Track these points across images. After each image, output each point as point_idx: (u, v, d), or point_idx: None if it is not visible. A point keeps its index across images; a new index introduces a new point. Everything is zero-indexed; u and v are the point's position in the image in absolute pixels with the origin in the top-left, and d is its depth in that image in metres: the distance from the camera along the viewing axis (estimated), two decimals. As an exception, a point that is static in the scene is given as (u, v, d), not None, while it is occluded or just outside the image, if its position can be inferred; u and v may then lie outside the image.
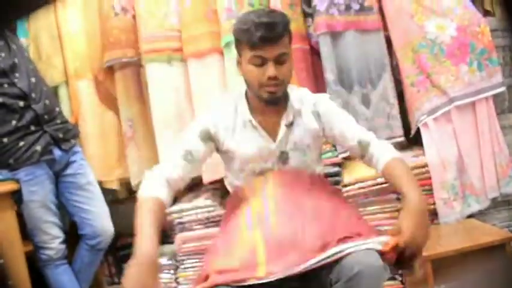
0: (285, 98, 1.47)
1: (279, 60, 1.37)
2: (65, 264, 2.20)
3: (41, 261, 2.18)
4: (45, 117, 2.17)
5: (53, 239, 2.17)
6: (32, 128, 2.14)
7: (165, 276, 2.40)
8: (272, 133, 1.46)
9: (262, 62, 1.36)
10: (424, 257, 1.82)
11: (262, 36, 1.32)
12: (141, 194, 1.36)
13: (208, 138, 1.45)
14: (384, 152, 1.45)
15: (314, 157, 1.53)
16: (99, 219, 2.25)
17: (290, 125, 1.45)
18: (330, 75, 2.36)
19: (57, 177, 2.25)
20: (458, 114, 2.33)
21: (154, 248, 1.20)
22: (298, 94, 1.51)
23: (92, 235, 2.23)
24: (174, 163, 1.43)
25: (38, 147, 2.13)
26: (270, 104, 1.42)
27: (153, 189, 1.36)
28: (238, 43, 1.42)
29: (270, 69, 1.35)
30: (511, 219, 2.40)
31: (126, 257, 2.51)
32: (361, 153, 1.49)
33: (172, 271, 2.39)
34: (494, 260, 1.91)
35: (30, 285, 2.11)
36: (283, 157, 1.46)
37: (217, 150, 1.51)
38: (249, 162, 1.46)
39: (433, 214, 2.27)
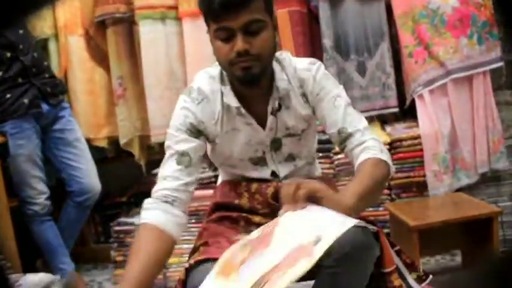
0: (270, 77, 1.24)
1: (250, 30, 1.12)
2: (50, 220, 2.19)
3: (26, 216, 2.17)
4: (33, 69, 2.12)
5: (39, 195, 2.15)
6: (20, 80, 2.09)
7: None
8: (261, 120, 1.27)
9: (229, 35, 1.13)
10: (411, 227, 1.82)
11: (222, 1, 1.08)
12: (140, 228, 1.16)
13: (198, 132, 1.24)
14: (363, 150, 1.20)
15: (311, 139, 1.37)
16: (87, 176, 2.23)
17: (277, 111, 1.26)
18: (327, 41, 2.32)
19: (45, 133, 2.21)
20: (454, 87, 2.32)
21: None
22: (286, 71, 1.27)
23: (79, 192, 2.21)
24: (171, 175, 1.19)
25: (25, 100, 2.09)
26: (247, 83, 1.19)
27: (154, 218, 1.14)
28: (204, 16, 1.19)
29: (238, 43, 1.11)
30: (499, 195, 2.40)
31: (113, 217, 2.55)
32: (340, 144, 1.26)
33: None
34: (480, 234, 1.92)
35: (15, 240, 2.10)
36: (276, 145, 1.30)
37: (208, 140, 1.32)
38: (238, 152, 1.31)
39: (423, 186, 2.28)
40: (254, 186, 1.30)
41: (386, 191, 2.32)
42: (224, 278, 0.99)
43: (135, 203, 2.59)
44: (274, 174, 1.32)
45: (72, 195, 2.22)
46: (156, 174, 2.38)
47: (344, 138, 1.23)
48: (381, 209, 2.28)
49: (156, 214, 1.14)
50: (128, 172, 2.69)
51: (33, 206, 2.14)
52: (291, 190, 1.04)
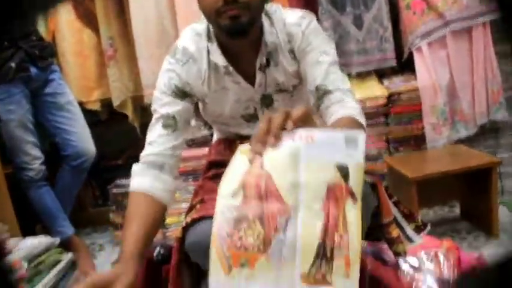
0: (259, 30, 1.18)
1: None
2: (46, 185, 2.17)
3: (22, 182, 2.14)
4: (20, 32, 2.05)
5: (33, 160, 2.12)
6: (6, 43, 2.02)
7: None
8: (249, 77, 1.22)
9: None
10: (410, 179, 1.81)
11: None
12: (130, 195, 1.13)
13: (184, 94, 1.19)
14: (341, 107, 1.10)
15: (304, 96, 1.27)
16: (81, 140, 2.19)
17: (266, 67, 1.21)
18: (321, -6, 2.25)
19: (35, 97, 2.16)
20: (453, 39, 2.27)
21: (131, 272, 0.95)
22: (275, 25, 1.20)
23: (74, 156, 2.18)
24: (157, 140, 1.16)
25: (13, 64, 2.02)
26: (235, 34, 1.11)
27: (143, 186, 1.12)
28: None
29: None
30: (497, 147, 2.40)
31: (110, 180, 2.54)
32: (316, 102, 1.16)
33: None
34: (479, 185, 1.92)
35: (12, 207, 2.09)
36: (267, 101, 1.26)
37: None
38: (229, 110, 1.27)
39: (421, 139, 2.26)
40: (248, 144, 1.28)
41: (384, 145, 2.31)
42: (244, 269, 0.78)
43: (131, 165, 2.56)
44: None
45: (67, 160, 2.19)
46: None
47: (321, 94, 1.13)
48: (379, 161, 2.27)
49: (144, 181, 1.12)
50: (123, 134, 2.65)
51: (28, 171, 2.11)
52: (278, 121, 0.82)
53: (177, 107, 1.17)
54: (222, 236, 0.79)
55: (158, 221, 1.14)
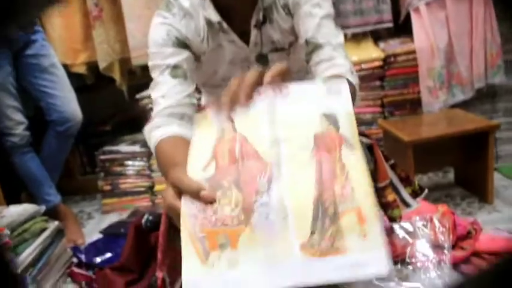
0: None
1: None
2: (31, 151, 2.10)
3: (6, 148, 2.07)
4: None
5: (17, 125, 2.04)
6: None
7: (138, 164, 2.35)
8: (244, 35, 1.16)
9: None
10: (406, 142, 1.76)
11: None
12: (159, 144, 1.02)
13: (185, 45, 1.12)
14: (331, 66, 1.06)
15: (301, 54, 1.20)
16: (67, 105, 2.11)
17: (261, 24, 1.15)
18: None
19: (17, 59, 2.06)
20: (452, 0, 2.19)
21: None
22: None
23: (60, 121, 2.10)
24: (169, 91, 1.07)
25: (-9, 24, 1.92)
26: None
27: (172, 131, 1.02)
28: None
29: None
30: (493, 112, 2.35)
31: (98, 146, 2.47)
32: (306, 57, 1.12)
33: (145, 158, 2.33)
34: (475, 150, 1.88)
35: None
36: (262, 61, 1.19)
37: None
38: (223, 71, 1.20)
39: (417, 103, 2.21)
40: None
41: (379, 109, 2.25)
42: (225, 252, 0.61)
43: (119, 131, 2.51)
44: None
45: (52, 125, 2.12)
46: (139, 99, 2.33)
47: (311, 49, 1.08)
48: (374, 127, 2.22)
49: (171, 129, 1.01)
50: (110, 99, 2.57)
51: (12, 137, 2.04)
52: (249, 79, 0.72)
53: (182, 55, 1.09)
54: (193, 212, 0.63)
55: None
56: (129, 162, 2.37)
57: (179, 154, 0.87)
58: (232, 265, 0.60)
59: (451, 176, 2.13)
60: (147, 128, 1.06)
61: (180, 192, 0.67)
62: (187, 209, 0.64)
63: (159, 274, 1.32)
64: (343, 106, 0.68)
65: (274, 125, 0.68)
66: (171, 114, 1.04)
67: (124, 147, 2.37)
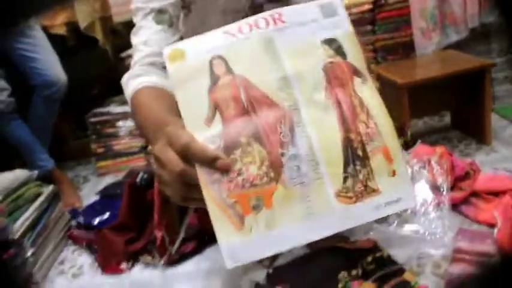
0: None
1: None
2: (18, 118, 2.05)
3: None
4: None
5: (0, 92, 1.98)
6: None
7: (130, 124, 2.31)
8: None
9: None
10: (400, 85, 1.73)
11: None
12: (136, 93, 0.93)
13: None
14: None
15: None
16: (49, 68, 2.04)
17: None
18: None
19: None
20: None
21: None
22: None
23: (44, 85, 2.04)
24: (152, 38, 0.99)
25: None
26: None
27: (151, 81, 0.93)
28: None
29: None
30: (488, 52, 2.31)
31: (87, 109, 2.42)
32: None
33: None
34: (471, 91, 1.85)
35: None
36: (257, 11, 1.14)
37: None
38: (213, 22, 1.07)
39: (409, 47, 2.16)
40: None
41: (371, 54, 2.20)
42: (260, 213, 0.57)
43: (107, 92, 2.45)
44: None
45: (37, 90, 2.05)
46: (124, 58, 2.25)
47: None
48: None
49: (151, 79, 0.94)
50: (95, 61, 2.49)
51: None
52: None
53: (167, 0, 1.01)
54: (214, 179, 0.57)
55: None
56: (120, 123, 2.33)
57: (163, 107, 0.81)
58: (270, 225, 0.57)
59: (447, 119, 2.11)
60: (125, 77, 0.98)
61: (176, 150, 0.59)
62: (206, 175, 0.57)
63: (158, 234, 1.31)
64: (342, 26, 0.63)
65: (276, 61, 0.61)
66: (152, 63, 0.97)
67: (114, 108, 2.33)
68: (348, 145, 0.59)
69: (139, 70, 0.96)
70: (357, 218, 0.58)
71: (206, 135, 0.58)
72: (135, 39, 1.01)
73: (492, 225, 1.28)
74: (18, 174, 1.56)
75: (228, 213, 0.56)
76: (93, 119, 2.32)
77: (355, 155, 0.58)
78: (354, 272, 1.15)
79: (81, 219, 1.71)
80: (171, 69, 0.60)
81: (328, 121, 0.59)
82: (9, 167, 1.98)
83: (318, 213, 0.57)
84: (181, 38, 1.06)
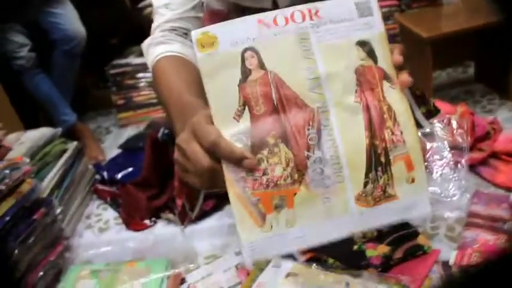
0: None
1: None
2: (40, 73, 2.07)
3: (15, 72, 2.05)
4: None
5: (21, 47, 2.00)
6: None
7: (150, 75, 2.31)
8: None
9: None
10: (424, 39, 1.67)
11: None
12: (157, 63, 0.93)
13: None
14: None
15: None
16: (68, 22, 2.04)
17: None
18: None
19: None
20: None
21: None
22: None
23: (64, 40, 2.05)
24: (173, 2, 0.96)
25: None
26: None
27: (173, 50, 0.92)
28: None
29: None
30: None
31: (107, 61, 2.42)
32: None
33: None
34: (497, 44, 1.78)
35: (8, 101, 2.01)
36: None
37: None
38: None
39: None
40: None
41: (395, 2, 2.12)
42: (282, 212, 0.59)
43: (126, 43, 2.44)
44: (275, 5, 1.08)
45: (57, 45, 2.07)
46: (142, 8, 2.22)
47: None
48: (390, 21, 2.10)
49: (172, 47, 0.93)
50: (112, 11, 2.46)
51: (18, 60, 2.01)
52: None
53: None
54: (240, 176, 0.58)
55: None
56: (140, 75, 2.34)
57: (186, 83, 0.81)
58: (290, 223, 0.59)
59: (471, 71, 2.05)
60: (145, 43, 0.97)
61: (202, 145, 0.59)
62: (232, 172, 0.58)
63: (179, 201, 1.35)
64: (375, 27, 0.62)
65: (310, 59, 0.59)
66: (173, 29, 0.96)
67: (133, 60, 2.33)
68: (372, 151, 0.59)
69: (160, 37, 0.95)
70: (373, 221, 0.60)
71: (234, 132, 0.58)
72: (156, 1, 0.99)
73: (509, 189, 1.28)
74: (43, 132, 1.61)
75: (250, 210, 0.58)
76: (112, 71, 2.33)
77: (377, 161, 0.59)
78: (369, 234, 1.18)
79: (105, 173, 1.77)
80: (201, 56, 0.58)
81: (356, 125, 0.59)
82: (36, 123, 2.04)
83: (336, 214, 0.59)
84: (202, 2, 1.04)
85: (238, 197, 0.58)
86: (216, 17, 1.19)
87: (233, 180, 0.58)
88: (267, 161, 0.58)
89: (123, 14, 2.39)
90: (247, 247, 0.58)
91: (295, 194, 0.58)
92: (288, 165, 0.58)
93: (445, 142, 1.44)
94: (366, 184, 0.59)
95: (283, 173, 0.58)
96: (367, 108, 0.60)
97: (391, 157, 0.60)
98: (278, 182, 0.58)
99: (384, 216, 0.60)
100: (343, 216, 0.59)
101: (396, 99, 0.61)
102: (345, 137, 0.59)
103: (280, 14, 0.59)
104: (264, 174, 0.58)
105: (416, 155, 0.60)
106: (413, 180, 0.60)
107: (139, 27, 2.42)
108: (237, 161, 0.57)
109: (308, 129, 0.58)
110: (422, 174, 0.61)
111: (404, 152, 0.60)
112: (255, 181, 0.58)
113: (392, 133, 0.60)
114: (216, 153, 0.58)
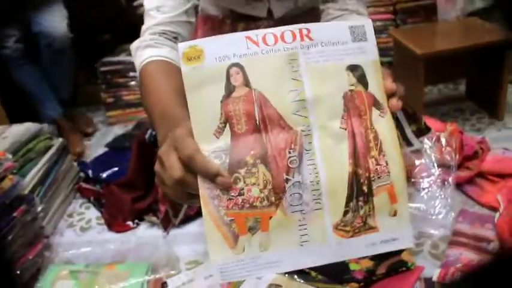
0: None
1: None
2: (26, 64, 2.03)
3: (2, 62, 2.01)
4: None
5: (7, 38, 1.96)
6: None
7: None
8: None
9: None
10: (418, 55, 1.68)
11: None
12: (145, 67, 0.90)
13: None
14: (342, 16, 0.99)
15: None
16: (47, 19, 1.98)
17: None
18: None
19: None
20: None
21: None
22: None
23: (41, 34, 1.98)
24: (166, 4, 0.95)
25: None
26: None
27: (161, 55, 0.91)
28: None
29: None
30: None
31: (98, 57, 2.38)
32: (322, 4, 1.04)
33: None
34: (490, 63, 1.79)
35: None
36: None
37: None
38: None
39: (432, 11, 2.08)
40: (241, 25, 1.10)
41: (390, 16, 2.13)
42: (256, 235, 0.57)
43: (118, 40, 2.41)
44: (270, 13, 1.08)
45: (39, 39, 2.01)
46: (137, 7, 2.20)
47: None
48: (384, 35, 2.11)
49: (161, 51, 0.91)
50: (107, 8, 2.43)
51: (4, 49, 1.97)
52: None
53: None
54: (215, 194, 0.56)
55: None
56: (131, 74, 2.30)
57: (171, 92, 0.79)
58: (263, 246, 0.57)
59: (462, 88, 2.06)
60: (134, 45, 0.95)
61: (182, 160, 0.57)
62: (207, 189, 0.56)
63: (162, 207, 1.34)
64: (369, 53, 0.60)
65: (297, 81, 0.57)
66: (163, 32, 0.94)
67: (125, 58, 2.30)
68: (354, 180, 0.57)
69: (149, 40, 0.93)
70: (350, 252, 0.58)
71: (213, 148, 0.56)
72: (147, 3, 0.97)
73: (494, 209, 1.29)
74: (28, 127, 1.57)
75: (223, 231, 0.56)
76: (102, 68, 2.30)
77: (359, 191, 0.57)
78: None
79: (89, 172, 1.74)
80: (186, 69, 0.57)
81: (339, 152, 0.57)
82: (22, 117, 2.01)
83: (312, 242, 0.57)
84: (196, 6, 1.03)
85: (212, 215, 0.56)
86: (210, 22, 1.19)
87: (207, 197, 0.56)
88: (244, 181, 0.56)
89: (117, 11, 2.36)
90: (217, 269, 0.56)
91: (270, 217, 0.56)
92: (265, 187, 0.56)
93: (433, 159, 1.44)
94: (345, 213, 0.57)
95: (259, 194, 0.56)
96: (353, 135, 0.58)
97: (374, 187, 0.58)
98: (254, 204, 0.56)
99: (362, 248, 0.58)
100: (319, 245, 0.57)
101: (384, 127, 0.59)
102: (327, 163, 0.57)
103: (270, 32, 0.58)
104: (239, 194, 0.56)
105: (400, 187, 0.58)
106: (395, 213, 0.59)
107: (133, 25, 2.39)
108: (212, 178, 0.56)
109: (289, 152, 0.56)
110: (405, 207, 0.59)
111: (388, 183, 0.58)
112: (230, 200, 0.56)
113: (377, 163, 0.58)
114: (192, 167, 0.56)
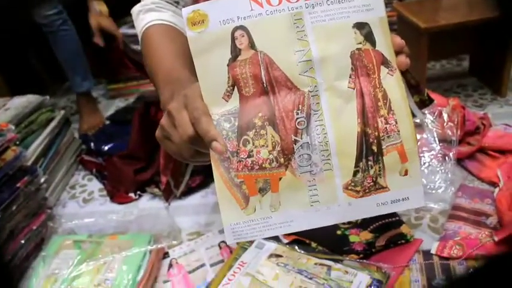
0: None
1: None
2: (66, 30, 1.99)
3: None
4: None
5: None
6: None
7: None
8: None
9: None
10: (422, 29, 1.66)
11: None
12: (147, 30, 0.90)
13: None
14: None
15: None
16: None
17: None
18: None
19: None
20: None
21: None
22: None
23: None
24: None
25: None
26: None
27: (163, 18, 0.91)
28: None
29: None
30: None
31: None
32: None
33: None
34: (494, 39, 1.77)
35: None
36: None
37: None
38: None
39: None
40: None
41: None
42: (266, 196, 0.58)
43: (119, 11, 2.38)
44: None
45: None
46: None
47: None
48: (388, 9, 2.08)
49: (162, 15, 0.91)
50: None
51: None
52: None
53: None
54: (225, 157, 0.57)
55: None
56: (134, 47, 2.28)
57: (175, 55, 0.80)
58: (274, 207, 0.57)
59: (465, 64, 2.05)
60: (135, 8, 0.95)
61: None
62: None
63: (163, 178, 1.34)
64: (375, 11, 0.58)
65: (303, 41, 0.56)
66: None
67: (126, 30, 2.27)
68: (364, 139, 0.57)
69: (151, 3, 0.93)
70: (360, 211, 0.58)
71: (223, 111, 0.57)
72: None
73: (494, 184, 1.30)
74: (30, 99, 1.57)
75: (233, 192, 0.57)
76: (104, 41, 2.27)
77: (369, 150, 0.57)
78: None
79: (91, 144, 1.75)
80: (191, 34, 0.57)
81: (348, 112, 0.57)
82: (23, 91, 1.99)
83: (322, 202, 0.57)
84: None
85: (222, 177, 0.57)
86: None
87: (218, 160, 0.57)
88: (253, 143, 0.57)
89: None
90: (229, 229, 0.57)
91: (280, 178, 0.57)
92: (274, 148, 0.57)
93: (435, 134, 1.44)
94: (355, 173, 0.57)
95: (268, 156, 0.57)
96: (361, 95, 0.57)
97: (383, 147, 0.57)
98: (263, 165, 0.57)
99: (372, 207, 0.58)
100: (329, 205, 0.57)
101: (393, 86, 0.58)
102: (336, 124, 0.56)
103: None
104: (249, 156, 0.57)
105: (410, 146, 0.57)
106: (406, 173, 0.58)
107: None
108: (209, 142, 0.56)
109: (297, 113, 0.56)
110: (416, 166, 0.58)
111: (398, 142, 0.57)
112: (239, 162, 0.57)
113: (387, 122, 0.57)
114: (195, 128, 0.57)
